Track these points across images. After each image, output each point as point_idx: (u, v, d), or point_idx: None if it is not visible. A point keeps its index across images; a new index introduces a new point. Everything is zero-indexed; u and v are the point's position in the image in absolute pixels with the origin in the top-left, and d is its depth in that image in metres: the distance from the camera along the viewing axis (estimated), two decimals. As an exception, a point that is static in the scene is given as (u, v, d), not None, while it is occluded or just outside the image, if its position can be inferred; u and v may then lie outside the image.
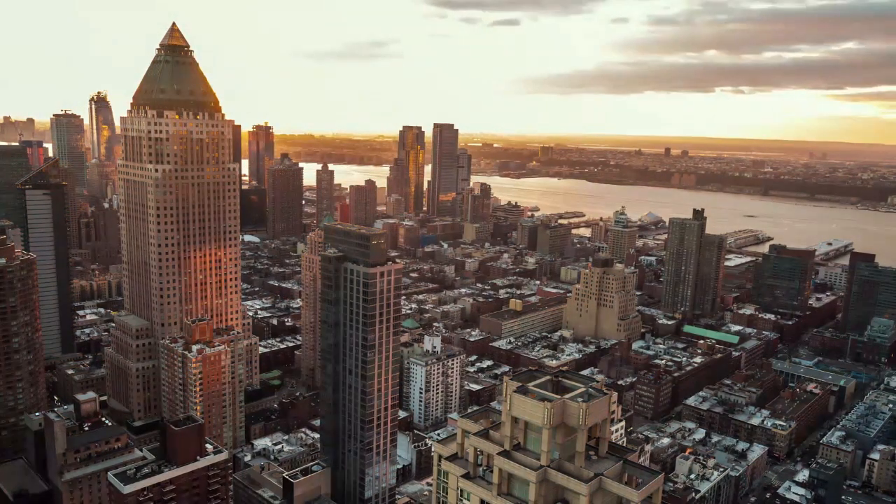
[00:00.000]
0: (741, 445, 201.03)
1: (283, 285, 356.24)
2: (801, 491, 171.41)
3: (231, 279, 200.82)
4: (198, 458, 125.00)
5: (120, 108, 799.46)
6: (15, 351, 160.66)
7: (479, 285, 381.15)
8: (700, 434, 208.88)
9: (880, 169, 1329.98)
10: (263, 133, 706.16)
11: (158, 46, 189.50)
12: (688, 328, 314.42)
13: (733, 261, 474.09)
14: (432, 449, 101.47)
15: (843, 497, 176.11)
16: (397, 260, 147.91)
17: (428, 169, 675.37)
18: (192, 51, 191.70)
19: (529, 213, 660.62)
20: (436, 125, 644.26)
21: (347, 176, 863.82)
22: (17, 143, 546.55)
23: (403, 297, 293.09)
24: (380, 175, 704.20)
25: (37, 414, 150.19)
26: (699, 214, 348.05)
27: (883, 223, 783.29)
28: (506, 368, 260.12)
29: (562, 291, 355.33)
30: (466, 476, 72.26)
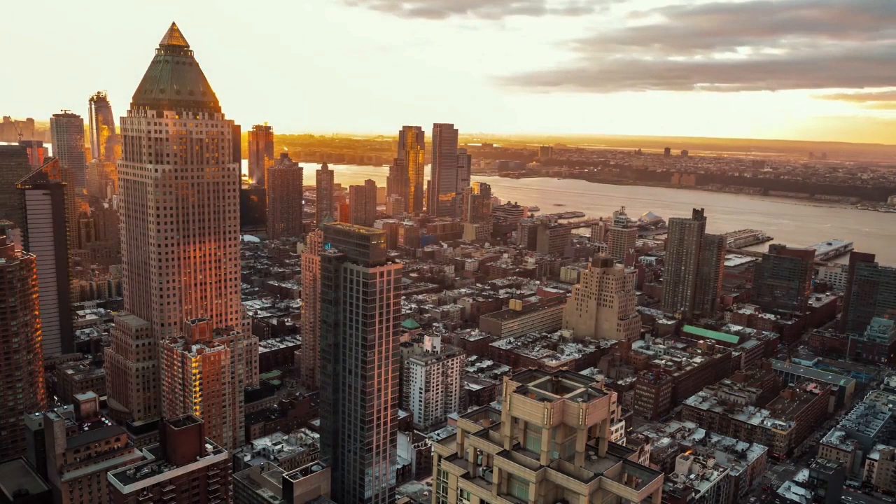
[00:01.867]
0: (741, 445, 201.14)
1: (283, 285, 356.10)
2: (801, 491, 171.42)
3: (231, 279, 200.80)
4: (197, 458, 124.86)
5: (120, 108, 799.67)
6: (14, 351, 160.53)
7: (478, 285, 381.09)
8: (700, 434, 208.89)
9: (880, 169, 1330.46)
10: (263, 133, 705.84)
11: (158, 46, 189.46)
12: (688, 328, 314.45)
13: (733, 261, 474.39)
14: (432, 449, 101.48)
15: (842, 497, 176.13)
16: (397, 260, 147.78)
17: (428, 169, 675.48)
18: (191, 51, 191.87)
19: (529, 213, 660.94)
20: (435, 125, 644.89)
21: (346, 176, 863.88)
22: (16, 143, 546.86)
23: (403, 297, 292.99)
24: (379, 175, 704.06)
25: (36, 414, 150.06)
26: (699, 214, 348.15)
27: (883, 223, 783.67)
28: (505, 368, 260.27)
29: (562, 291, 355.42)
30: (466, 476, 72.20)
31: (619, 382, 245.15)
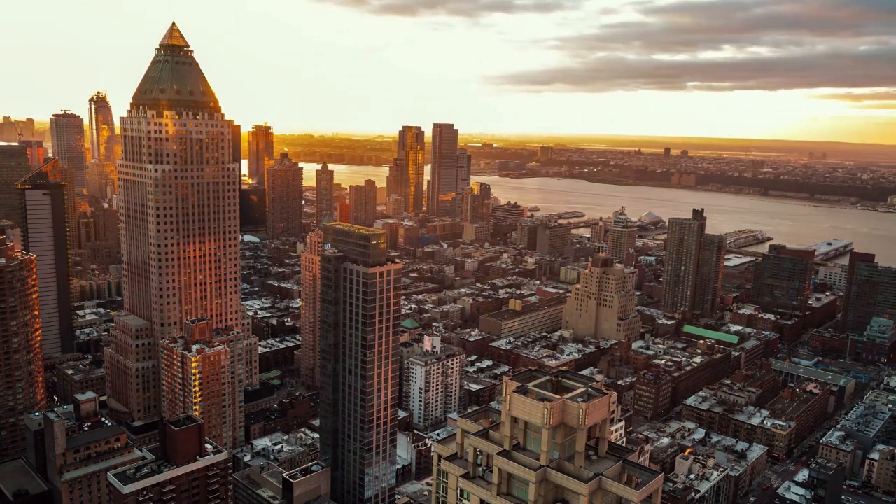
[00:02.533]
0: (741, 445, 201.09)
1: (283, 285, 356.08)
2: (801, 491, 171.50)
3: (231, 279, 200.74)
4: (197, 458, 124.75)
5: (120, 108, 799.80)
6: (14, 351, 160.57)
7: (478, 285, 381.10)
8: (700, 434, 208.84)
9: (880, 169, 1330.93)
10: (263, 133, 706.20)
11: (158, 46, 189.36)
12: (687, 328, 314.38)
13: (733, 261, 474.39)
14: (432, 449, 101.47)
15: (842, 497, 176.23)
16: (397, 260, 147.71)
17: (428, 169, 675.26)
18: (191, 51, 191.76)
19: (529, 213, 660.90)
20: (435, 125, 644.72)
21: (346, 176, 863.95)
22: (16, 143, 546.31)
23: (403, 297, 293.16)
24: (379, 175, 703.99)
25: (36, 414, 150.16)
26: (699, 214, 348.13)
27: (883, 223, 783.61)
28: (505, 368, 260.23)
29: (561, 291, 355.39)
30: (466, 476, 72.18)
31: (619, 382, 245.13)
